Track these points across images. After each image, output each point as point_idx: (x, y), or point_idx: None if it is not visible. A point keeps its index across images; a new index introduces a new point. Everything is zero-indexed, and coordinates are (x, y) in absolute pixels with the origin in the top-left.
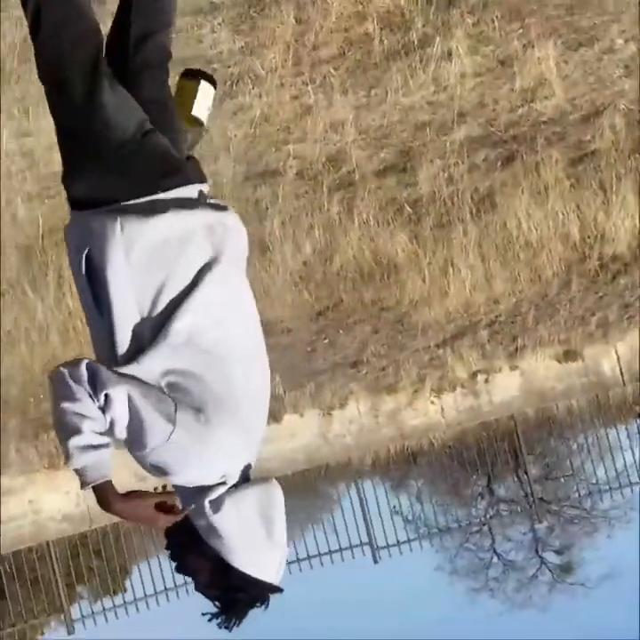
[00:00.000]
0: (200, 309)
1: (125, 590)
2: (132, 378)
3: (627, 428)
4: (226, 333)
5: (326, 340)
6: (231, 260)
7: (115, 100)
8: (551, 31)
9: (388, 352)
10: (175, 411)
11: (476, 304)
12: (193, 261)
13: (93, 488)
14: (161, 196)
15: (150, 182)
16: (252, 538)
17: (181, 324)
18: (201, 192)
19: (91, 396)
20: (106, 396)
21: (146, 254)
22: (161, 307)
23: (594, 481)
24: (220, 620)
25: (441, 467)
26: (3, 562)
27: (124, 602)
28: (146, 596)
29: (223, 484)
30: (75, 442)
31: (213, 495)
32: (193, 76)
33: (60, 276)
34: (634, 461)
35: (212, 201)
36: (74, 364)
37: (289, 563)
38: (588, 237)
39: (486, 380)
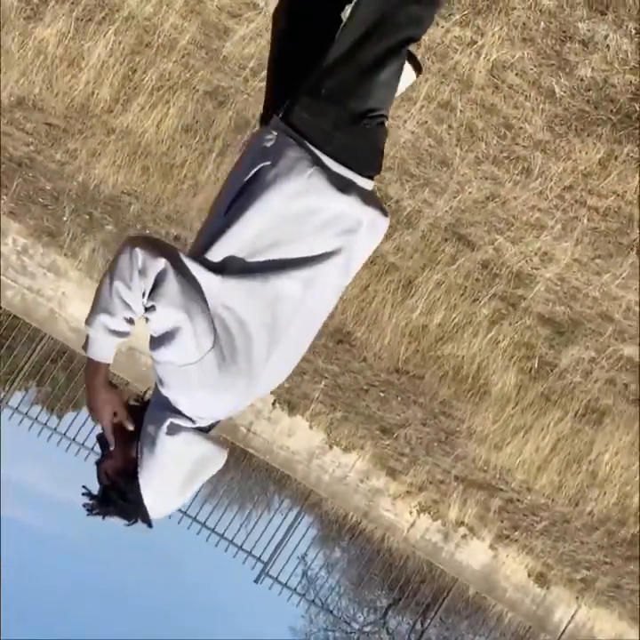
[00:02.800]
0: (308, 285)
1: (62, 418)
2: (196, 294)
3: None
4: (295, 316)
5: (382, 394)
6: (352, 259)
7: (389, 80)
8: None
9: (417, 446)
10: (209, 349)
11: (514, 476)
12: (330, 241)
13: (90, 359)
14: (356, 178)
15: (358, 161)
16: (171, 476)
17: (285, 285)
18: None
19: (144, 293)
20: (153, 307)
21: (301, 212)
22: (273, 255)
23: None
24: (90, 503)
25: (368, 560)
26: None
27: (55, 429)
28: (73, 440)
29: (192, 421)
30: (103, 319)
31: (178, 421)
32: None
33: None
34: None
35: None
36: (153, 253)
37: (194, 519)
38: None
39: (464, 536)
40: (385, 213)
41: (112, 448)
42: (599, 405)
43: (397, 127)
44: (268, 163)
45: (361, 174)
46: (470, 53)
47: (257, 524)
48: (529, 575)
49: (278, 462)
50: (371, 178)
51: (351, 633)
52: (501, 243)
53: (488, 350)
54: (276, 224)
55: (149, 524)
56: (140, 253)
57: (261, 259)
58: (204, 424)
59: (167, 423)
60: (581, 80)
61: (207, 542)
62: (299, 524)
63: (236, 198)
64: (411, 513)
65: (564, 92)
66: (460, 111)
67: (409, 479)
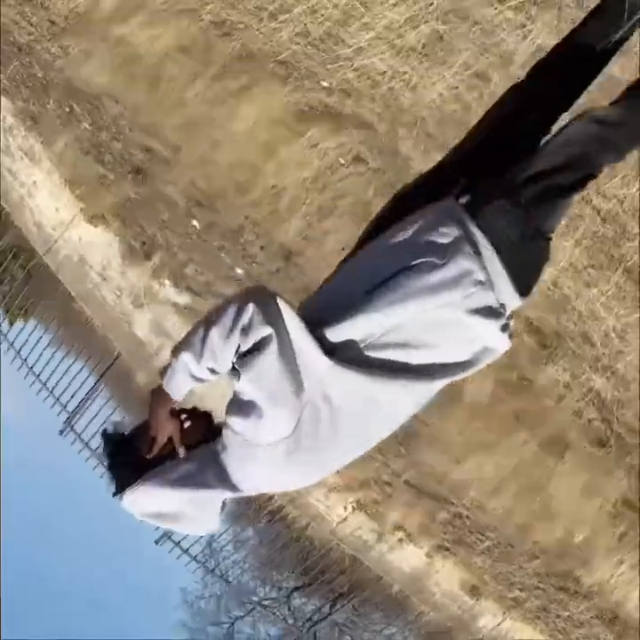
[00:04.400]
0: (408, 395)
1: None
2: (293, 373)
3: None
4: (384, 420)
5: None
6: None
7: (566, 207)
8: None
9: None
10: (286, 437)
11: (467, 493)
12: (461, 356)
13: (163, 391)
14: (512, 298)
15: (523, 278)
16: (163, 505)
17: (390, 392)
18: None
19: (237, 352)
20: (238, 373)
21: (451, 323)
22: (397, 356)
23: None
24: (103, 442)
25: (283, 546)
26: None
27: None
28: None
29: (237, 489)
30: (188, 359)
31: (226, 496)
32: None
33: None
34: None
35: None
36: (263, 318)
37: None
38: None
39: (400, 540)
40: (510, 339)
41: (148, 455)
42: (564, 437)
43: (424, 87)
44: (438, 262)
45: (520, 294)
46: (517, 34)
47: None
48: (461, 587)
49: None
50: (523, 296)
51: (247, 603)
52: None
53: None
54: (415, 327)
55: (120, 497)
56: (251, 309)
57: (382, 356)
58: (245, 493)
59: (211, 476)
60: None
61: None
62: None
63: (387, 281)
64: (345, 508)
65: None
66: (495, 84)
67: (353, 473)
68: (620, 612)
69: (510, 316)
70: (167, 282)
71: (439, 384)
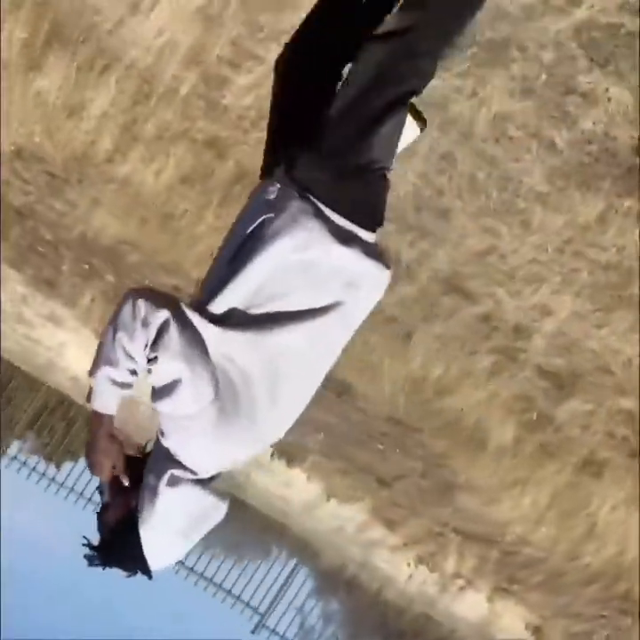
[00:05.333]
0: (312, 339)
1: (60, 468)
2: (198, 346)
3: None
4: (298, 369)
5: (381, 446)
6: (353, 313)
7: (390, 133)
8: None
9: (415, 498)
10: (211, 400)
11: (512, 529)
12: (331, 293)
13: (94, 411)
14: (358, 231)
15: (361, 215)
16: (171, 527)
17: (289, 339)
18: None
19: (147, 345)
20: (156, 358)
21: (303, 264)
22: (275, 307)
23: None
24: (90, 553)
25: (363, 612)
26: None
27: (53, 479)
28: (71, 490)
29: (194, 472)
30: (107, 370)
31: (179, 473)
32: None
33: None
34: None
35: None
36: (155, 305)
37: (191, 569)
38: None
39: (461, 588)
40: (387, 266)
41: (107, 500)
42: (598, 458)
43: (399, 178)
44: (271, 215)
45: (363, 227)
46: (471, 105)
47: (254, 574)
48: (526, 628)
49: (275, 512)
50: (373, 230)
51: None
52: (501, 295)
53: (487, 403)
54: (278, 276)
55: (149, 576)
56: (142, 304)
57: (263, 311)
58: (205, 476)
59: (168, 475)
60: (582, 132)
61: (205, 592)
62: (296, 574)
63: (239, 249)
64: (408, 565)
65: (565, 144)
66: (461, 163)
67: (406, 531)
68: None
69: (370, 244)
70: None
71: (330, 321)
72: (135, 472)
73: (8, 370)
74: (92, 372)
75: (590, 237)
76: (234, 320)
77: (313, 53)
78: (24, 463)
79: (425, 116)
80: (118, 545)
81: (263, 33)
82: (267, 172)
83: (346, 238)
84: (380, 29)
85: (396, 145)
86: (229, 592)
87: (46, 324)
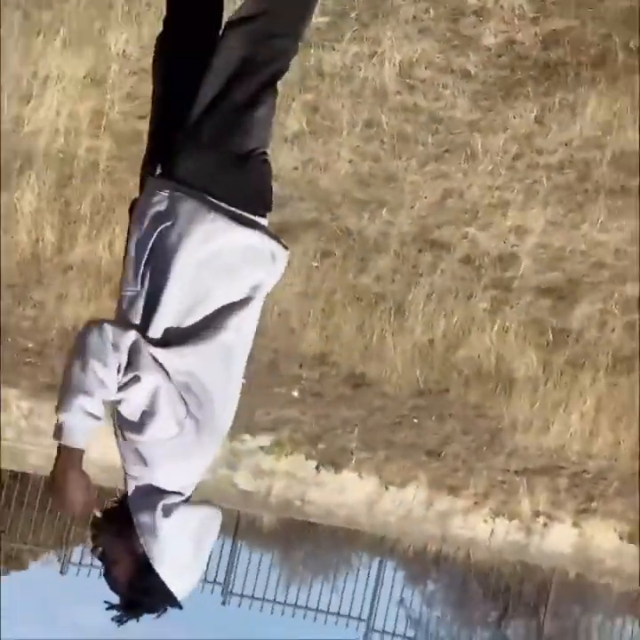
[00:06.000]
0: (241, 328)
1: None
2: (162, 368)
3: None
4: (240, 358)
5: (416, 420)
6: (266, 291)
7: (265, 116)
8: None
9: (468, 457)
10: (185, 416)
11: (570, 450)
12: (247, 280)
13: (62, 448)
14: (254, 219)
15: (249, 201)
16: (181, 552)
17: (226, 337)
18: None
19: (119, 369)
20: (136, 377)
21: (214, 256)
22: (206, 311)
23: None
24: (118, 614)
25: (463, 581)
26: (33, 480)
27: None
28: None
29: (181, 494)
30: (80, 401)
31: (169, 501)
32: None
33: None
34: None
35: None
36: (122, 329)
37: (285, 604)
38: None
39: (545, 525)
40: (285, 247)
41: (112, 558)
42: (625, 353)
43: (334, 161)
44: (168, 223)
45: (254, 214)
46: (374, 65)
47: (345, 586)
48: (621, 538)
49: (341, 521)
50: (263, 215)
51: None
52: (473, 233)
53: (500, 341)
54: (196, 278)
55: (180, 607)
56: (108, 328)
57: (196, 318)
58: (189, 492)
59: (160, 507)
60: (488, 49)
61: (305, 620)
62: (384, 571)
63: (146, 268)
64: (485, 521)
65: (477, 66)
66: (386, 123)
67: (471, 490)
68: None
69: (266, 228)
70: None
71: (255, 304)
72: (121, 520)
73: (40, 484)
74: (62, 406)
75: (536, 144)
76: (174, 338)
77: (176, 50)
78: (91, 565)
79: None
80: (143, 594)
81: None
82: (147, 182)
83: (244, 222)
84: (236, 16)
85: (271, 127)
86: (328, 612)
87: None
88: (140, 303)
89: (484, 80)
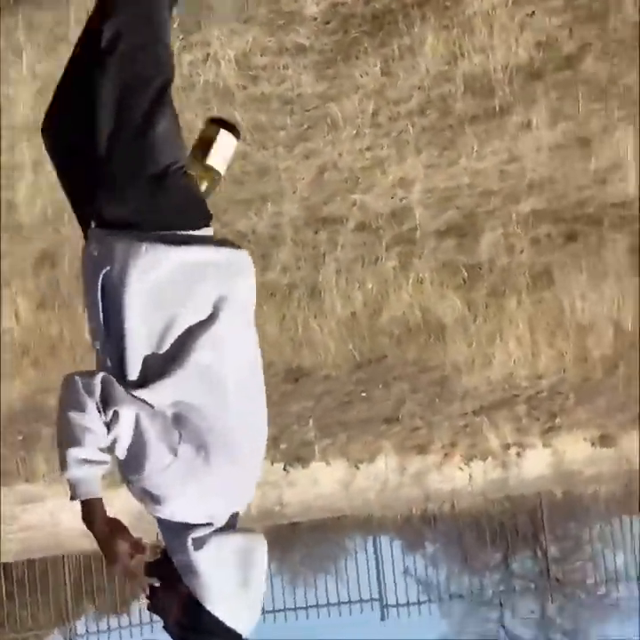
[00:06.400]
0: (216, 344)
1: (130, 612)
2: (143, 401)
3: None
4: (230, 372)
5: (364, 394)
6: (239, 299)
7: (168, 130)
8: (633, 117)
9: (424, 413)
10: (179, 442)
11: (518, 376)
12: (208, 295)
13: (82, 502)
14: (196, 234)
15: (182, 218)
16: (228, 584)
17: (199, 357)
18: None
19: (99, 409)
20: (114, 412)
21: (164, 282)
22: (174, 337)
23: (612, 568)
24: None
25: (458, 533)
26: (14, 568)
27: (130, 623)
28: (152, 620)
29: (210, 524)
30: (74, 453)
31: (198, 533)
32: (216, 125)
33: None
34: None
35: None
36: (89, 374)
37: (297, 609)
38: None
39: (518, 454)
40: (238, 247)
41: (157, 584)
42: (541, 267)
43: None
44: (108, 268)
45: (195, 228)
46: (211, 67)
47: (348, 573)
48: (593, 445)
49: (324, 512)
50: (207, 225)
51: (491, 598)
52: (359, 199)
53: (418, 293)
54: (155, 309)
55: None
56: (77, 378)
57: (167, 347)
58: (221, 522)
59: (189, 543)
60: (315, 19)
61: (319, 619)
62: (380, 547)
63: (104, 315)
64: (460, 469)
65: (309, 39)
66: (241, 119)
67: (438, 444)
68: None
69: (212, 237)
70: None
71: (225, 318)
72: (164, 567)
73: (28, 568)
74: (62, 467)
75: (390, 96)
76: (153, 373)
77: (64, 107)
78: (98, 631)
79: (235, 124)
80: (202, 635)
81: None
82: (85, 236)
83: (185, 241)
84: (99, 47)
85: (180, 137)
86: (340, 603)
87: (28, 507)
88: (110, 349)
89: (321, 49)
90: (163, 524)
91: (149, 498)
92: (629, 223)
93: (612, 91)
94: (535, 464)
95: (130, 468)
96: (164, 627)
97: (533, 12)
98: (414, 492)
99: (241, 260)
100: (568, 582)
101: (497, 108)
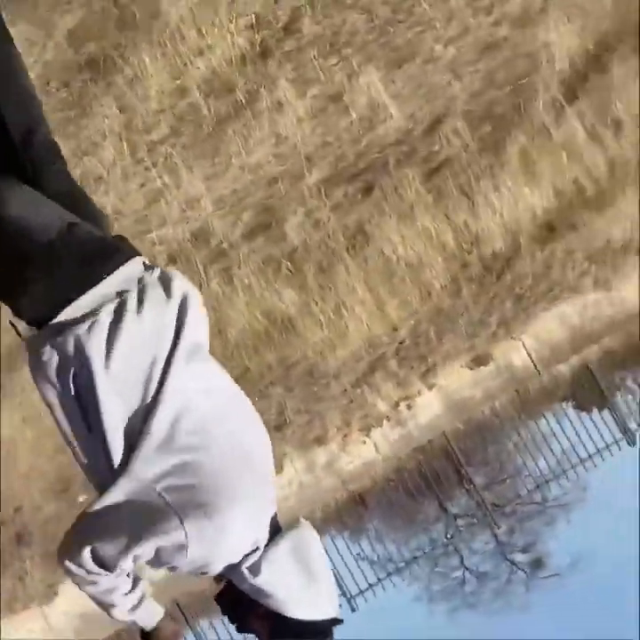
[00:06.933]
0: (176, 394)
1: None
2: (133, 522)
3: (554, 414)
4: (212, 405)
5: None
6: (191, 334)
7: (27, 205)
8: (370, 56)
9: (308, 406)
10: (182, 525)
11: (377, 336)
12: (161, 350)
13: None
14: (109, 278)
15: (94, 269)
16: (298, 585)
17: (160, 417)
18: (144, 263)
19: (105, 574)
20: (118, 567)
21: (124, 358)
22: (143, 409)
23: (538, 474)
24: None
25: (388, 501)
26: None
27: None
28: None
29: (256, 549)
30: (117, 612)
31: (249, 562)
32: None
33: None
34: (570, 444)
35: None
36: (73, 552)
37: None
38: (465, 243)
39: (408, 407)
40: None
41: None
42: (352, 228)
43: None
44: (72, 371)
45: (114, 270)
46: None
47: None
48: (471, 368)
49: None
50: (131, 258)
51: (445, 548)
52: (158, 235)
53: (253, 298)
54: (125, 385)
55: (339, 621)
56: (67, 565)
57: (142, 412)
58: (265, 539)
59: (247, 574)
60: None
61: None
62: (328, 548)
63: (84, 415)
64: (364, 443)
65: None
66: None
67: (334, 429)
68: None
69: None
70: None
71: (176, 363)
72: (234, 593)
73: None
74: (116, 619)
75: (139, 128)
76: (133, 445)
77: None
78: None
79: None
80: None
81: None
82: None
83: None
84: None
85: (42, 204)
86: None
87: None
88: (95, 446)
89: (53, 109)
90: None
91: (198, 572)
92: (412, 154)
93: (340, 41)
94: (427, 408)
95: (166, 568)
96: None
97: None
98: (331, 482)
99: (172, 285)
100: (505, 503)
101: (243, 100)
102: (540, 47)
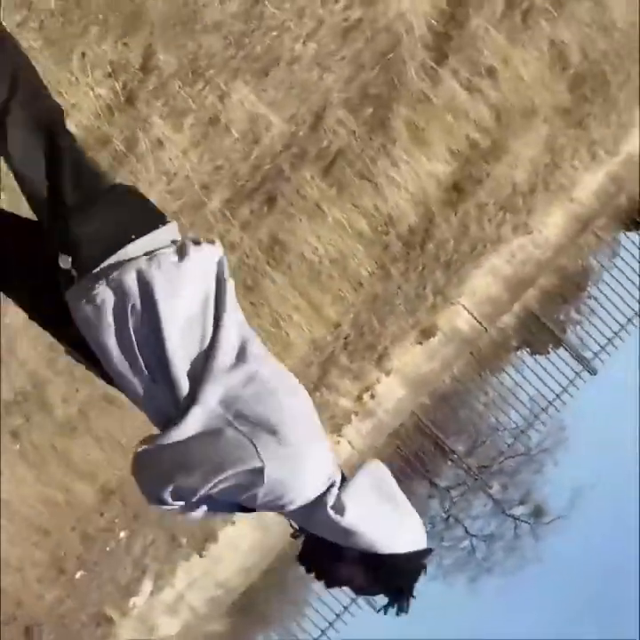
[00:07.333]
0: (234, 325)
1: None
2: (209, 452)
3: (513, 365)
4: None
5: None
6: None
7: (77, 161)
8: (234, 73)
9: None
10: (258, 455)
11: (321, 337)
12: (211, 291)
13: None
14: (163, 228)
15: (152, 216)
16: (384, 518)
17: (226, 339)
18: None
19: (192, 507)
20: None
21: (185, 291)
22: (201, 333)
23: (513, 426)
24: (395, 608)
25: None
26: None
27: None
28: None
29: (332, 485)
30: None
31: (332, 500)
32: None
33: None
34: (535, 389)
35: None
36: (158, 497)
37: None
38: (380, 226)
39: (372, 396)
40: (212, 242)
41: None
42: (266, 241)
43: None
44: (131, 303)
45: (159, 227)
46: None
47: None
48: (421, 343)
49: (255, 572)
50: (166, 222)
51: (446, 522)
52: None
53: None
54: (183, 323)
55: (431, 550)
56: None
57: (202, 359)
58: (338, 474)
59: (332, 514)
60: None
61: None
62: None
63: (143, 353)
64: (338, 442)
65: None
66: None
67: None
68: None
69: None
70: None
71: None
72: (319, 546)
73: None
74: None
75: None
76: (198, 377)
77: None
78: None
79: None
80: (394, 578)
81: None
82: (68, 301)
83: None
84: None
85: (84, 165)
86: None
87: None
88: (157, 379)
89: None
90: (295, 514)
91: (275, 507)
92: (304, 155)
93: (201, 65)
94: (390, 393)
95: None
96: (356, 593)
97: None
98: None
99: (215, 251)
100: (490, 462)
101: (122, 149)
102: (396, 18)
